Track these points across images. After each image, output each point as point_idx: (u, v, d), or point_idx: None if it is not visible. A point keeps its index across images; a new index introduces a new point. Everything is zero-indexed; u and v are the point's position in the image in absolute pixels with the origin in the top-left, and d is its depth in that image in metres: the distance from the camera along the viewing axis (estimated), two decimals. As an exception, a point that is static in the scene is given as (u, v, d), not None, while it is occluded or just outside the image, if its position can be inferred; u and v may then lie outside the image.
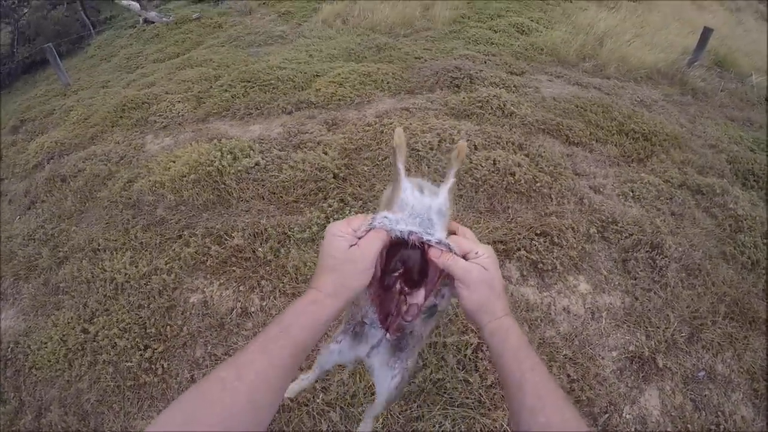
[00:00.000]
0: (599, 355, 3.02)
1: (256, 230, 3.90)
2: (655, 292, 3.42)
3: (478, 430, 2.57)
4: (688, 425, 2.73)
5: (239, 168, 4.53)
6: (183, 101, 6.69)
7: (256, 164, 4.60)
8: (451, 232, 0.96)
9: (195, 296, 3.50)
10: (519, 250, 3.58)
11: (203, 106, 6.56)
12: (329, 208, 3.99)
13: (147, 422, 2.86)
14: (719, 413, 2.80)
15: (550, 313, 3.23)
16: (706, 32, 8.13)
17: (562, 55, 8.24)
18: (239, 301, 3.39)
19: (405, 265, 0.93)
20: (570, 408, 0.78)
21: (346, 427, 2.60)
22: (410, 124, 5.09)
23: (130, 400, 2.98)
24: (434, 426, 2.57)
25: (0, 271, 4.26)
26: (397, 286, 0.95)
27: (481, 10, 10.37)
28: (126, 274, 3.71)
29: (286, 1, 12.29)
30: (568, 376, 2.85)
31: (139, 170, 5.03)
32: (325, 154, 4.67)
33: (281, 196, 4.27)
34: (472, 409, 2.64)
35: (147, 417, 2.90)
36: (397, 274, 0.93)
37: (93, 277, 3.79)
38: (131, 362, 3.11)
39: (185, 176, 4.47)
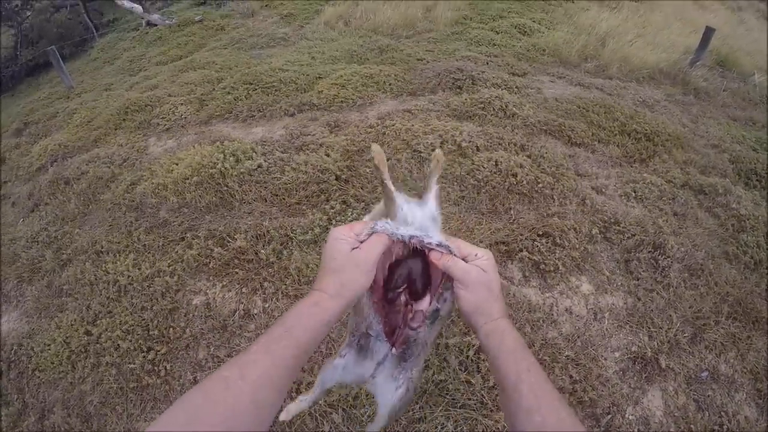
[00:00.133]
0: (602, 355, 3.02)
1: (259, 232, 3.91)
2: (657, 293, 3.41)
3: (480, 431, 2.57)
4: (691, 426, 2.73)
5: (242, 170, 4.53)
6: (186, 104, 6.71)
7: (259, 166, 4.61)
8: None
9: (198, 298, 3.51)
10: (521, 251, 3.58)
11: (206, 108, 6.57)
12: (331, 210, 3.99)
13: (149, 424, 2.86)
14: (722, 413, 2.80)
15: (553, 314, 3.23)
16: (708, 32, 8.12)
17: (564, 56, 8.24)
18: (242, 303, 3.40)
19: (409, 277, 0.94)
20: (565, 408, 0.78)
21: (348, 428, 2.60)
22: (412, 125, 5.09)
23: (133, 401, 2.99)
24: (436, 427, 2.57)
25: (3, 273, 4.28)
26: (402, 298, 0.96)
27: (483, 11, 10.36)
28: (129, 276, 3.72)
29: (289, 4, 12.29)
30: (571, 377, 2.85)
31: (142, 173, 5.05)
32: (328, 156, 4.67)
33: (284, 198, 4.28)
34: (474, 410, 2.64)
35: (150, 419, 2.90)
36: (400, 290, 0.95)
37: (96, 279, 3.80)
38: (134, 364, 3.12)
39: (188, 178, 4.48)
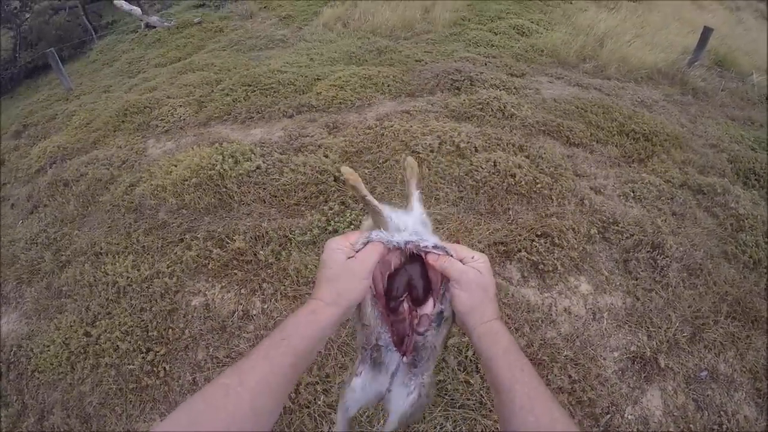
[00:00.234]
0: (600, 355, 3.02)
1: (258, 233, 3.91)
2: (656, 292, 3.42)
3: (479, 431, 2.57)
4: (691, 425, 2.73)
5: (240, 171, 4.54)
6: (184, 105, 6.72)
7: (258, 168, 4.62)
8: None
9: (197, 299, 3.51)
10: (520, 251, 3.58)
11: (205, 110, 6.58)
12: (330, 211, 3.99)
13: (149, 425, 2.87)
14: (722, 413, 2.80)
15: (551, 314, 3.23)
16: (706, 32, 8.13)
17: (562, 57, 8.25)
18: (241, 304, 3.40)
19: (409, 284, 0.96)
20: (558, 408, 0.79)
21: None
22: (411, 126, 5.10)
23: (132, 402, 2.99)
24: (435, 427, 2.57)
25: (3, 274, 4.28)
26: (405, 306, 0.97)
27: (481, 12, 10.37)
28: (128, 277, 3.73)
29: (287, 5, 12.31)
30: (570, 376, 2.85)
31: (141, 174, 5.05)
32: (326, 157, 4.68)
33: (282, 200, 4.28)
34: (473, 410, 2.64)
35: (149, 419, 2.90)
36: (402, 298, 0.96)
37: (95, 280, 3.81)
38: (133, 365, 3.12)
39: (187, 180, 4.49)
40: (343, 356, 2.94)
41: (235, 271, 3.65)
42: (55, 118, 7.93)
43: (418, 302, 0.97)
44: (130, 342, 3.25)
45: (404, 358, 0.96)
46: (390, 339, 0.97)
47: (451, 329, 0.98)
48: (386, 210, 0.97)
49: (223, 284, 3.58)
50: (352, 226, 3.78)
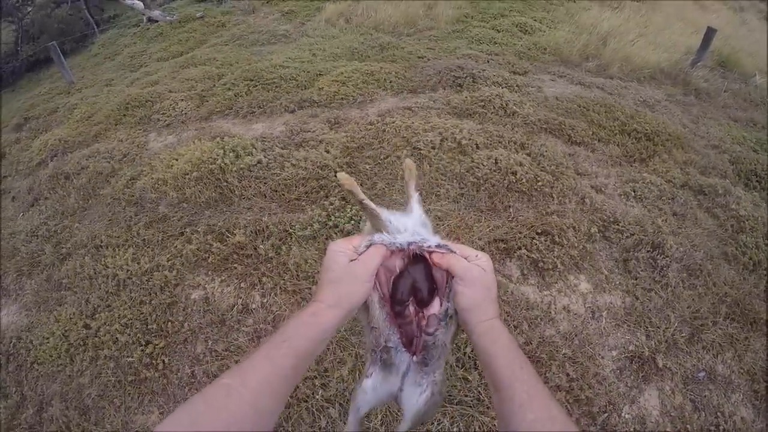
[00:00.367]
0: (599, 354, 3.02)
1: (258, 227, 3.92)
2: (655, 292, 3.42)
3: (477, 427, 2.57)
4: (688, 426, 2.73)
5: (241, 166, 4.54)
6: (186, 100, 6.71)
7: (259, 162, 4.62)
8: None
9: (196, 293, 3.52)
10: (520, 248, 3.58)
11: (206, 104, 6.58)
12: (330, 206, 3.99)
13: (147, 417, 2.88)
14: (719, 414, 2.80)
15: (551, 312, 3.23)
16: (710, 32, 8.11)
17: (565, 55, 8.24)
18: (240, 298, 3.40)
19: (413, 287, 0.96)
20: (556, 405, 0.79)
21: (345, 423, 2.61)
22: (412, 123, 5.10)
23: (131, 395, 2.99)
24: (433, 423, 2.57)
25: (3, 267, 4.28)
26: (411, 308, 0.98)
27: (484, 10, 10.36)
28: (128, 270, 3.73)
29: (290, 0, 12.30)
30: (568, 375, 2.85)
31: (142, 168, 5.05)
32: (327, 152, 4.68)
33: (283, 194, 4.29)
34: (470, 407, 2.65)
35: (147, 412, 2.91)
36: (407, 303, 0.97)
37: (95, 273, 3.81)
38: (132, 358, 3.12)
39: (188, 174, 4.49)
40: (341, 351, 2.94)
41: (235, 265, 3.65)
42: (56, 111, 7.93)
43: (423, 303, 0.97)
44: (129, 335, 3.25)
45: (414, 358, 0.97)
46: (399, 340, 0.97)
47: (458, 326, 0.98)
48: (384, 213, 0.97)
49: (223, 278, 3.58)
50: (353, 222, 3.79)
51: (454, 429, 2.58)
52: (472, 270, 0.92)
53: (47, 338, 3.38)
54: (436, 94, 6.24)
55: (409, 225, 0.97)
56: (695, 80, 7.68)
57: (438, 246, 0.95)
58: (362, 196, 0.96)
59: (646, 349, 3.03)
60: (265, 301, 3.37)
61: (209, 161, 4.54)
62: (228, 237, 3.87)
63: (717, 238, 4.00)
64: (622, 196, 4.32)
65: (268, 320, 3.24)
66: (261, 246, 3.73)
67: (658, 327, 3.17)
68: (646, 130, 5.37)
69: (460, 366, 2.81)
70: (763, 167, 5.01)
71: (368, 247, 0.93)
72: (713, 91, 7.55)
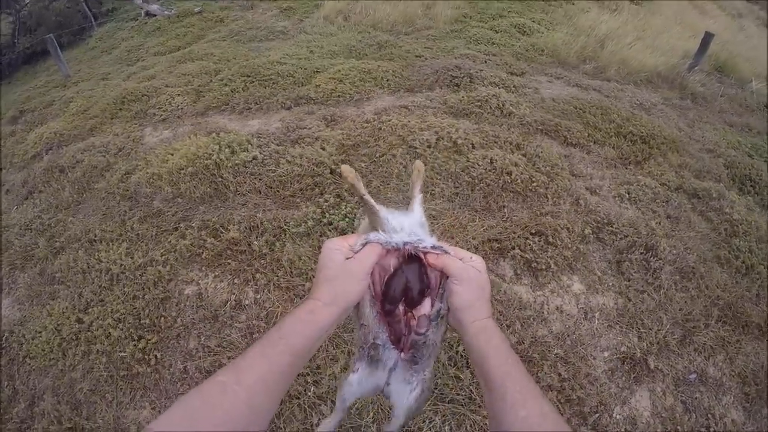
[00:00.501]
0: (591, 355, 3.04)
1: (252, 224, 3.91)
2: (648, 294, 3.43)
3: (468, 426, 2.58)
4: (678, 427, 2.75)
5: (237, 162, 4.53)
6: (183, 94, 6.70)
7: (254, 158, 4.61)
8: None
9: (190, 288, 3.51)
10: (513, 248, 3.59)
11: (203, 99, 6.57)
12: (325, 203, 3.99)
13: (139, 412, 2.87)
14: (709, 416, 2.81)
15: (543, 312, 3.24)
16: (707, 37, 8.14)
17: (562, 57, 8.25)
18: (233, 294, 3.40)
19: (406, 287, 0.96)
20: (547, 403, 0.80)
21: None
22: (408, 121, 5.10)
23: (123, 390, 2.98)
24: (424, 421, 2.58)
25: (-4, 260, 4.27)
26: (401, 307, 0.98)
27: (482, 10, 10.38)
28: (121, 265, 3.72)
29: (289, -3, 12.30)
30: (559, 375, 2.86)
31: (137, 162, 5.04)
32: (323, 149, 4.68)
33: (278, 191, 4.28)
34: (462, 405, 2.65)
35: (139, 407, 2.90)
36: (400, 301, 0.98)
37: (89, 267, 3.80)
38: (125, 352, 3.12)
39: (183, 169, 4.48)
40: (334, 348, 2.94)
41: (229, 260, 3.64)
42: (52, 104, 7.90)
43: (413, 304, 0.98)
44: (122, 329, 3.24)
45: (402, 355, 0.99)
46: (387, 338, 0.98)
47: (447, 326, 0.99)
48: (383, 211, 0.97)
49: (217, 274, 3.58)
50: (347, 219, 3.79)
51: (446, 427, 2.58)
52: (468, 270, 0.93)
53: (40, 332, 3.37)
54: (433, 93, 6.25)
55: (406, 224, 0.97)
56: (692, 84, 7.71)
57: (433, 247, 0.96)
58: (364, 191, 0.97)
59: (638, 350, 3.05)
60: (259, 297, 3.37)
61: (204, 156, 4.54)
62: (222, 233, 3.86)
63: (710, 242, 4.02)
64: (617, 198, 4.34)
65: (262, 316, 3.23)
66: (255, 242, 3.72)
67: (650, 329, 3.19)
68: (642, 132, 5.39)
69: (452, 365, 2.82)
70: (757, 172, 5.04)
71: (364, 245, 0.94)
72: (709, 95, 7.58)
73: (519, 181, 4.19)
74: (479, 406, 2.64)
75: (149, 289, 3.51)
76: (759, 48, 10.79)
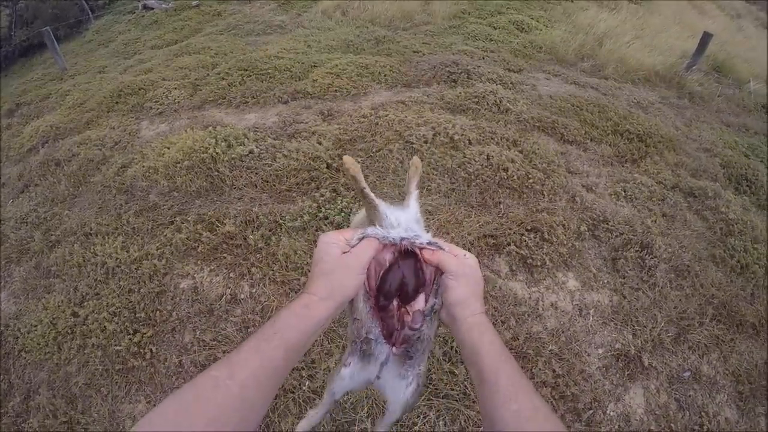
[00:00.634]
0: (585, 351, 3.04)
1: (248, 218, 3.91)
2: (643, 292, 3.44)
3: (463, 421, 2.59)
4: (672, 424, 2.76)
5: (233, 156, 4.52)
6: (179, 88, 6.68)
7: (250, 152, 4.60)
8: None
9: (185, 282, 3.51)
10: (509, 244, 3.60)
11: (199, 93, 6.54)
12: (321, 198, 3.99)
13: (134, 406, 2.87)
14: (703, 414, 2.83)
15: (538, 309, 3.25)
16: (706, 37, 8.14)
17: (560, 54, 8.25)
18: (229, 288, 3.40)
19: (401, 282, 0.96)
20: (539, 397, 0.81)
21: (331, 415, 2.61)
22: (405, 116, 5.09)
23: (118, 383, 2.98)
24: (418, 417, 2.59)
25: (-9, 252, 4.26)
26: (394, 303, 0.98)
27: (481, 7, 10.35)
28: (117, 258, 3.71)
29: (287, -9, 12.26)
30: (554, 371, 2.87)
31: (133, 156, 5.03)
32: (320, 144, 4.67)
33: (274, 185, 4.27)
34: (457, 400, 2.66)
35: (134, 401, 2.90)
36: (395, 296, 0.98)
37: (84, 261, 3.79)
38: (120, 346, 3.11)
39: (179, 163, 4.47)
40: (329, 342, 2.94)
41: (225, 254, 3.64)
42: (48, 97, 7.87)
43: (407, 299, 0.98)
44: (117, 323, 3.24)
45: (393, 350, 0.98)
46: (380, 333, 0.98)
47: (439, 322, 1.00)
48: (382, 205, 0.97)
49: (212, 267, 3.57)
50: (343, 214, 3.79)
51: (440, 423, 2.59)
52: (463, 266, 0.94)
53: (35, 326, 3.37)
54: (430, 88, 6.24)
55: (403, 220, 0.97)
56: (689, 84, 7.72)
57: (429, 243, 0.96)
58: (364, 184, 0.96)
59: (633, 347, 3.06)
60: (254, 291, 3.36)
61: (201, 150, 4.53)
62: (218, 227, 3.85)
63: (706, 241, 4.03)
64: (613, 196, 4.34)
65: (257, 311, 3.23)
66: (251, 236, 3.72)
67: (644, 326, 3.20)
68: (639, 131, 5.40)
69: (446, 360, 2.83)
70: (753, 172, 5.05)
71: (361, 239, 0.93)
72: (707, 95, 7.59)
73: (515, 177, 4.19)
74: (474, 402, 2.64)
75: (145, 282, 3.50)
76: (757, 49, 10.81)
